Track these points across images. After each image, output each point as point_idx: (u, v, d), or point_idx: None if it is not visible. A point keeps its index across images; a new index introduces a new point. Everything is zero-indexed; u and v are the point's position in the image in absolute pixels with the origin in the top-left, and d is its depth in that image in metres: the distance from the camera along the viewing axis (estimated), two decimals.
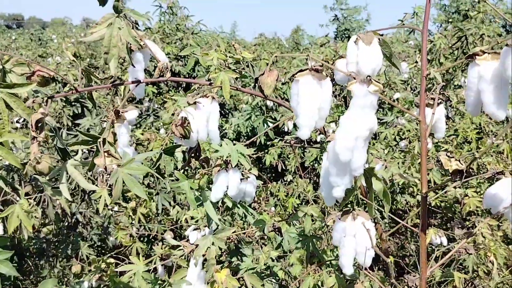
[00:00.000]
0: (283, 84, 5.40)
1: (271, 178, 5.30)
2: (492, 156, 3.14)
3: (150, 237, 3.06)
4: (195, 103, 1.18)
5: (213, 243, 1.30)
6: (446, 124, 3.72)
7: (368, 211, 1.15)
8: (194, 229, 2.62)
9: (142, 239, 3.14)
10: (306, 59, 5.68)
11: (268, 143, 4.36)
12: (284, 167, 4.72)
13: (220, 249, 2.84)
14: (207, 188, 1.35)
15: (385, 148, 3.44)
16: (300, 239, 2.08)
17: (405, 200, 3.54)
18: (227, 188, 1.38)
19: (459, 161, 0.89)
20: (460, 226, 2.61)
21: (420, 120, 1.02)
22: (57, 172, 1.21)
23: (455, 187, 2.60)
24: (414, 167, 2.89)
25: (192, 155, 1.28)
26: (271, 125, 4.86)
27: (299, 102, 0.94)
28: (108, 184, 1.10)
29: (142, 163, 1.41)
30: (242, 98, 5.42)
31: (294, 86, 0.95)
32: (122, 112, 1.19)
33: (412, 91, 4.94)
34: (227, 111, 5.76)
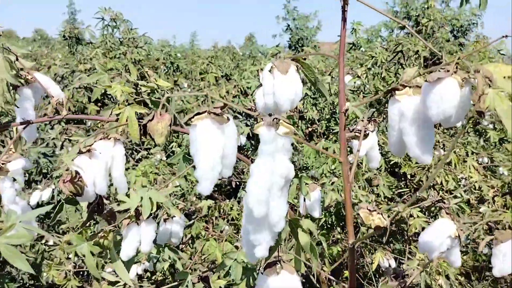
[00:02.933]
0: (234, 97, 5.28)
1: (227, 194, 5.13)
2: (441, 167, 3.10)
3: (89, 272, 2.83)
4: (89, 150, 1.01)
5: None
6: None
7: (295, 264, 1.02)
8: (134, 263, 2.43)
9: (82, 273, 2.91)
10: (257, 71, 5.57)
11: None
12: (238, 183, 4.57)
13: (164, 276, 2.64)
14: (117, 244, 1.18)
15: (333, 164, 3.36)
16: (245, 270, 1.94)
17: (356, 219, 3.46)
18: (140, 244, 1.21)
19: (381, 214, 0.77)
20: (393, 274, 2.53)
21: (341, 161, 0.90)
22: None
23: (399, 202, 2.53)
24: (361, 186, 2.82)
25: (95, 209, 1.11)
26: None
27: (197, 151, 0.80)
28: None
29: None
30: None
31: (191, 132, 0.81)
32: (3, 163, 1.01)
33: (363, 98, 4.93)
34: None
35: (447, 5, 7.75)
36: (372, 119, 1.23)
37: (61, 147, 3.77)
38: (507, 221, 2.95)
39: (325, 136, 4.99)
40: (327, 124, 5.51)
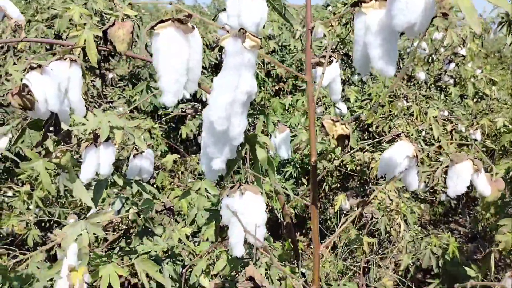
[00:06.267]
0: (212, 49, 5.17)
1: (193, 151, 5.11)
2: (403, 118, 3.19)
3: (52, 223, 2.79)
4: (40, 66, 0.96)
5: (86, 229, 1.12)
6: (360, 88, 3.74)
7: (257, 183, 1.03)
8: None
9: (43, 224, 2.86)
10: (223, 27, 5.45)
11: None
12: None
13: (128, 229, 2.64)
14: (76, 167, 1.16)
15: (303, 116, 3.39)
16: (211, 212, 1.96)
17: (323, 165, 3.54)
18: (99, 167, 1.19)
19: (344, 125, 0.78)
20: (354, 195, 2.62)
21: (307, 80, 0.90)
22: None
23: (362, 151, 2.60)
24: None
25: (51, 128, 1.07)
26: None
27: (160, 61, 0.78)
28: None
29: None
30: None
31: (154, 42, 0.78)
32: None
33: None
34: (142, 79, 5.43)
35: None
36: (335, 51, 1.24)
37: None
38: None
39: (291, 94, 5.01)
40: (294, 82, 5.51)
